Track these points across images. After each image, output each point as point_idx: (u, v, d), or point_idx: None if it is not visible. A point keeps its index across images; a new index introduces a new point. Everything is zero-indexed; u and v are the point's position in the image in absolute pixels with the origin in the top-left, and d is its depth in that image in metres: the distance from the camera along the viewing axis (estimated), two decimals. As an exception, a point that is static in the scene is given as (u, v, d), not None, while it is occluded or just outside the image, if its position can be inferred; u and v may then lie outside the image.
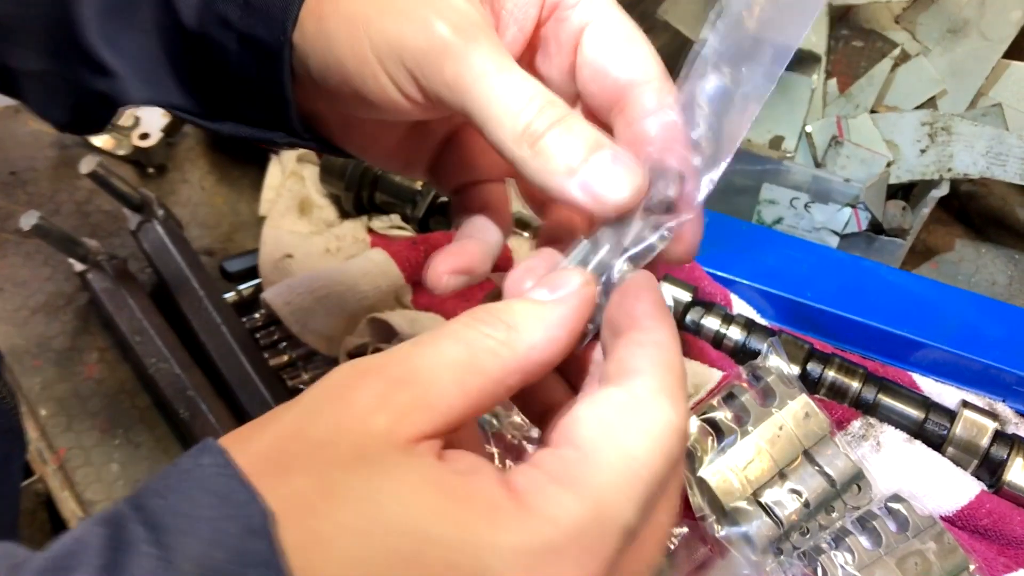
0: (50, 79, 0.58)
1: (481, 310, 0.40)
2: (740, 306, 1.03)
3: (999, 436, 0.90)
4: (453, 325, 0.39)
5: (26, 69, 0.58)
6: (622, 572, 0.37)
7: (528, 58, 0.51)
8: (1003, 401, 0.98)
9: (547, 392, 0.48)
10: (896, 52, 1.05)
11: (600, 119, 0.50)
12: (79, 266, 1.00)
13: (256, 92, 0.51)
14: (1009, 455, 0.89)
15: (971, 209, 1.21)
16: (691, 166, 0.45)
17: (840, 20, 1.06)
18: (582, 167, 0.43)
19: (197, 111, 0.56)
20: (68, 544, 0.30)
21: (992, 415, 0.92)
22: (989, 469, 0.90)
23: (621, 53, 0.47)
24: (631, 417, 0.37)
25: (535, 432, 0.90)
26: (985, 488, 0.88)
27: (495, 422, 0.91)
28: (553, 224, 0.53)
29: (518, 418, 0.91)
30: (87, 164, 0.96)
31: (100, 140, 1.20)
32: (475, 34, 0.44)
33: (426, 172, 0.59)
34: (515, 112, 0.43)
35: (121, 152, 1.20)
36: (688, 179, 0.45)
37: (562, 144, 0.43)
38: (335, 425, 0.34)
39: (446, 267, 0.52)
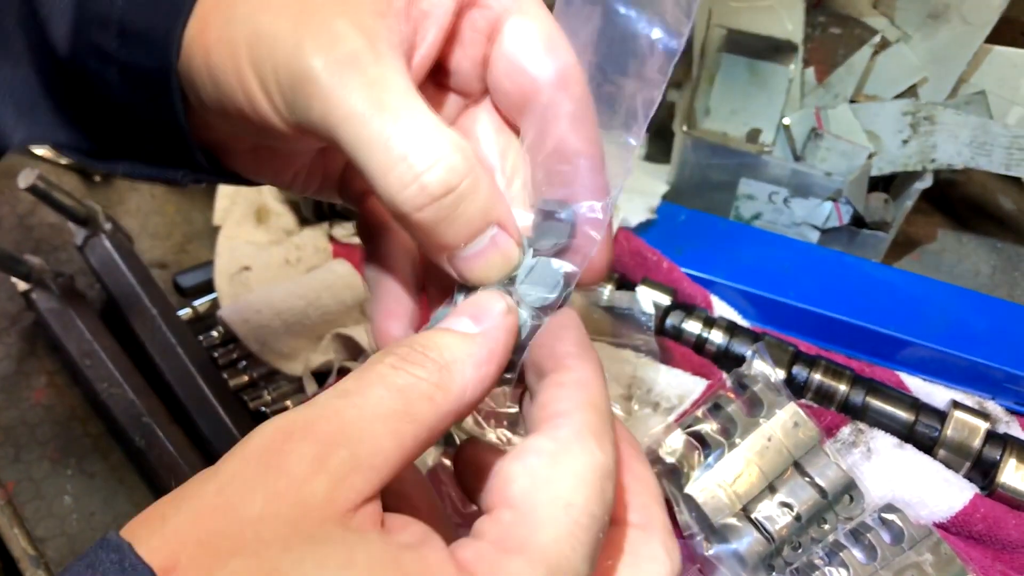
0: None
1: (406, 347, 0.38)
2: (721, 308, 0.99)
3: (991, 436, 0.88)
4: (380, 368, 0.37)
5: None
6: None
7: (442, 48, 0.46)
8: (993, 399, 0.95)
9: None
10: (875, 39, 1.01)
11: (508, 116, 0.48)
12: (23, 285, 0.95)
13: (147, 126, 0.46)
14: (1002, 456, 0.87)
15: (952, 198, 1.19)
16: (604, 198, 0.44)
17: (816, 6, 1.02)
18: (458, 251, 0.42)
19: (87, 149, 0.50)
20: None
21: (983, 415, 0.89)
22: (982, 471, 0.88)
23: (540, 51, 0.44)
24: (560, 465, 0.36)
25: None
26: (979, 491, 0.86)
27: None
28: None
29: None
30: (25, 178, 0.90)
31: (41, 148, 1.13)
32: (352, 67, 0.38)
33: (338, 193, 0.55)
34: (392, 175, 0.38)
35: (64, 161, 1.13)
36: (590, 216, 0.44)
37: (441, 227, 0.40)
38: (268, 497, 0.32)
39: (398, 328, 0.50)
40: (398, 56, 0.40)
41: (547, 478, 0.36)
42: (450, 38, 0.45)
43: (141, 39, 0.43)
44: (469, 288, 0.44)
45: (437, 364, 0.38)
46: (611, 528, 0.40)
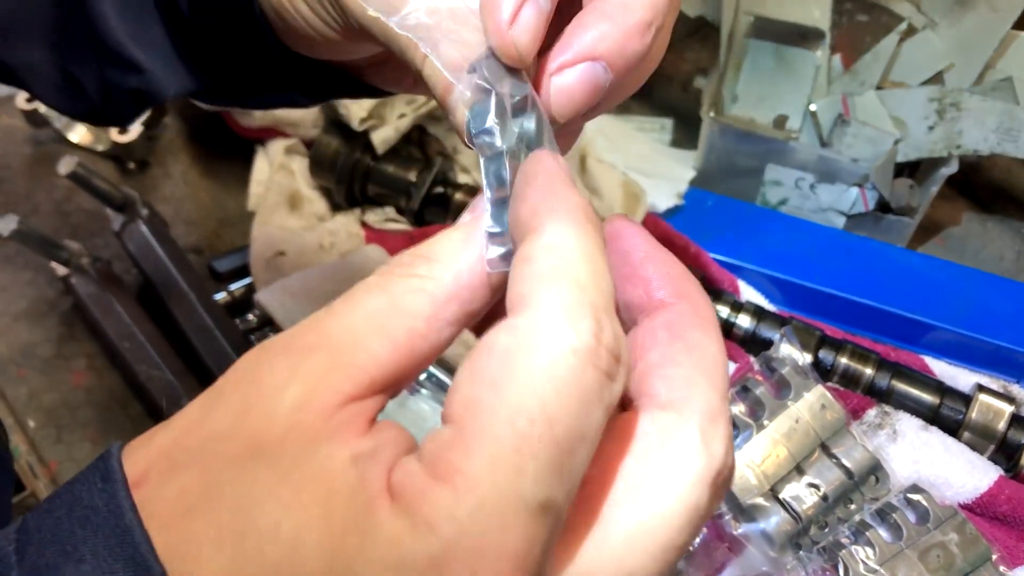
0: (49, 69, 0.57)
1: (397, 256, 0.35)
2: (748, 292, 1.01)
3: (1016, 419, 0.89)
4: (369, 278, 0.33)
5: (22, 62, 0.57)
6: (570, 536, 0.30)
7: None
8: (1018, 383, 0.97)
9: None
10: (902, 26, 1.02)
11: None
12: (62, 270, 0.97)
13: (250, 57, 0.50)
14: (1026, 439, 0.88)
15: (976, 183, 1.19)
16: None
17: (843, -7, 1.03)
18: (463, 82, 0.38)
19: (223, 94, 0.56)
20: None
21: (1008, 398, 0.90)
22: (1006, 453, 0.89)
23: None
24: (512, 363, 0.28)
25: None
26: (1003, 473, 0.87)
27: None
28: None
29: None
30: (66, 165, 0.91)
31: (77, 136, 1.15)
32: None
33: None
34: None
35: (100, 148, 1.15)
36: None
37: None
38: (238, 411, 0.30)
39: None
40: None
41: (493, 382, 0.28)
42: None
43: None
44: None
45: (425, 257, 0.34)
46: (628, 410, 0.33)
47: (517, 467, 0.27)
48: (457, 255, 0.34)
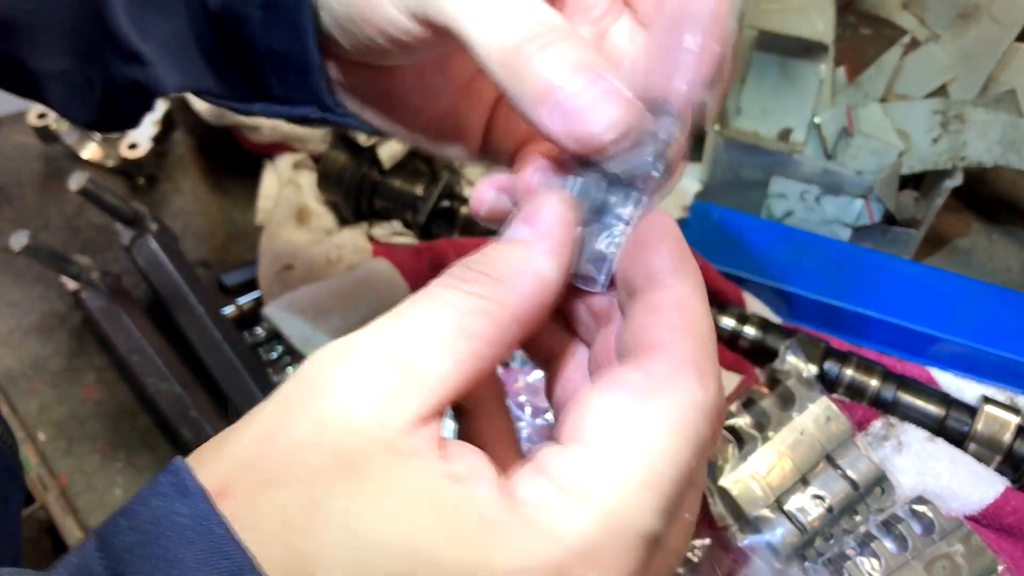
0: (74, 78, 0.57)
1: (460, 266, 0.36)
2: (754, 304, 1.01)
3: (1022, 431, 0.89)
4: (433, 288, 0.35)
5: (49, 70, 0.57)
6: None
7: None
8: (1024, 394, 0.96)
9: (548, 337, 0.44)
10: (905, 39, 1.02)
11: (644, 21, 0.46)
12: (72, 284, 0.98)
13: (282, 63, 0.49)
14: (1033, 450, 0.88)
15: (981, 195, 1.19)
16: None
17: (847, 7, 1.03)
18: (558, 91, 0.37)
19: (227, 94, 0.54)
20: None
21: (1014, 410, 0.90)
22: (1013, 465, 0.89)
23: None
24: (649, 404, 0.32)
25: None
26: (1010, 484, 0.86)
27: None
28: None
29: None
30: (76, 181, 0.93)
31: (87, 152, 1.17)
32: None
33: (478, 145, 0.54)
34: (496, 28, 0.38)
35: (110, 163, 1.17)
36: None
37: (541, 63, 0.37)
38: (316, 421, 0.31)
39: (489, 186, 0.47)
40: None
41: (630, 417, 0.32)
42: None
43: None
44: None
45: (491, 278, 0.35)
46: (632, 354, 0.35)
47: (643, 500, 0.31)
48: (524, 278, 0.36)
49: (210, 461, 0.31)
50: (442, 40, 0.43)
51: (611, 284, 0.40)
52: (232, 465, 0.31)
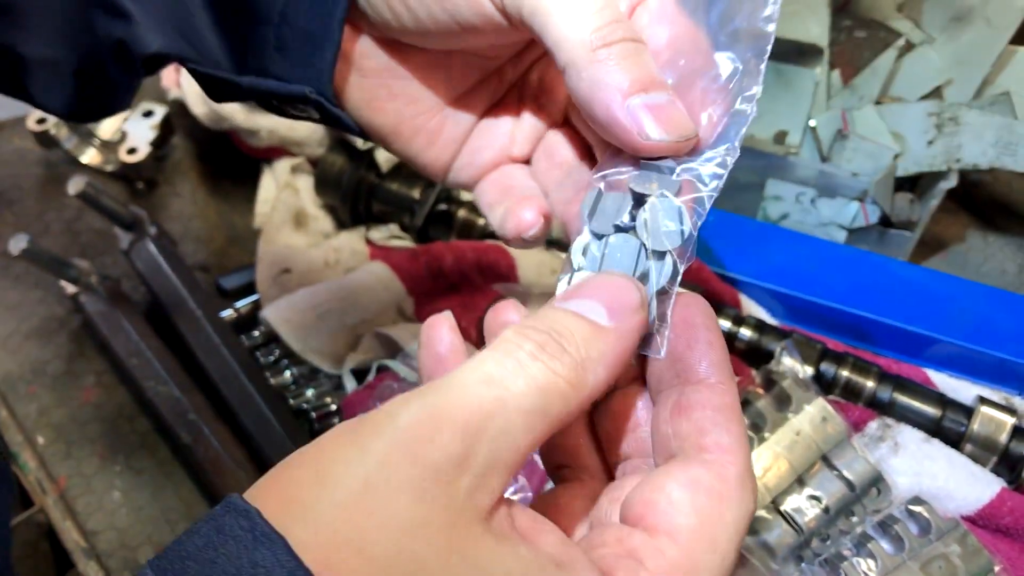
0: (60, 67, 0.56)
1: (539, 331, 0.36)
2: (750, 306, 1.01)
3: (1018, 431, 0.89)
4: (520, 355, 0.35)
5: (38, 56, 0.55)
6: None
7: None
8: (1020, 395, 0.96)
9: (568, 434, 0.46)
10: (900, 42, 1.02)
11: None
12: (71, 288, 0.98)
13: (297, 37, 0.49)
14: (1029, 450, 0.88)
15: (977, 197, 1.20)
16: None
17: (842, 10, 1.04)
18: (638, 94, 0.41)
19: (215, 64, 0.53)
20: None
21: (1010, 410, 0.90)
22: (1008, 465, 0.89)
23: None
24: (724, 510, 0.37)
25: None
26: (1006, 485, 0.87)
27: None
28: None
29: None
30: (75, 185, 0.93)
31: (87, 156, 1.17)
32: None
33: (451, 159, 0.55)
34: (590, 11, 0.41)
35: (109, 168, 1.17)
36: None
37: (626, 64, 0.41)
38: (416, 494, 0.31)
39: (534, 211, 0.50)
40: None
41: (713, 522, 0.36)
42: None
43: None
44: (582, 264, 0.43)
45: (574, 360, 0.36)
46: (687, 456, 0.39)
47: None
48: (599, 369, 0.37)
49: (296, 525, 0.30)
50: (503, 31, 0.45)
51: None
52: (329, 538, 0.30)
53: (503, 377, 0.34)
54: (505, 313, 0.42)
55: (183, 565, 0.29)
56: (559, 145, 0.53)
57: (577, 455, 0.45)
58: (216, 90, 0.55)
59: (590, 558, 0.36)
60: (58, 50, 0.55)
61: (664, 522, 0.36)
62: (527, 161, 0.55)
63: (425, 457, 0.31)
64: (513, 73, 0.55)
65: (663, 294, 0.41)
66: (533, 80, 0.55)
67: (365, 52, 0.51)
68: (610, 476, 0.45)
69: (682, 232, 0.41)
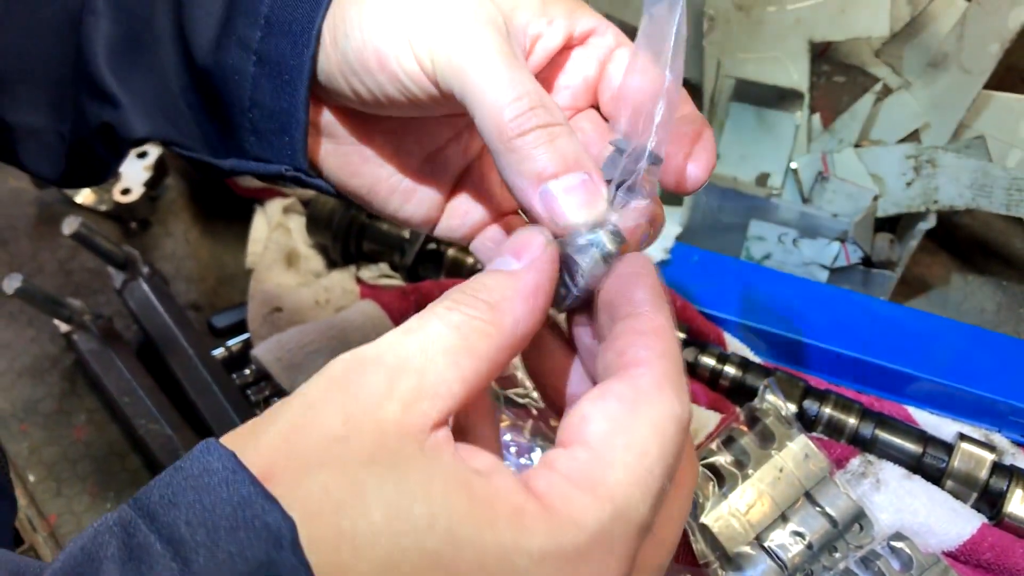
0: (48, 134, 0.59)
1: (457, 291, 0.41)
2: (734, 344, 1.03)
3: (997, 467, 0.90)
4: (437, 308, 0.39)
5: (26, 125, 0.58)
6: (642, 567, 0.39)
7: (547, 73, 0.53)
8: (999, 431, 0.98)
9: (550, 355, 0.49)
10: (878, 87, 1.05)
11: (608, 118, 0.53)
12: (64, 327, 0.99)
13: (267, 119, 0.52)
14: (1008, 486, 0.89)
15: (957, 238, 1.22)
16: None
17: (821, 56, 1.06)
18: (550, 181, 0.44)
19: (199, 149, 0.57)
20: (78, 556, 0.31)
21: (989, 447, 0.92)
22: (989, 501, 0.90)
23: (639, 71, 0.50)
24: (638, 413, 0.38)
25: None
26: (986, 521, 0.88)
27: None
28: None
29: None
30: (70, 225, 0.95)
31: (81, 197, 1.19)
32: (488, 24, 0.46)
33: (437, 215, 0.58)
34: (505, 102, 0.44)
35: (103, 208, 1.19)
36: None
37: (539, 151, 0.44)
38: (347, 417, 0.35)
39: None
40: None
41: (625, 425, 0.37)
42: (557, 68, 0.53)
43: (284, 30, 0.50)
44: None
45: (487, 304, 0.40)
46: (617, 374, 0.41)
47: (640, 494, 0.36)
48: (515, 304, 0.40)
49: (248, 448, 0.34)
50: (447, 104, 0.48)
51: (588, 308, 0.47)
52: (272, 453, 0.34)
53: (422, 326, 0.38)
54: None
55: (153, 484, 0.34)
56: None
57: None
58: (201, 169, 0.58)
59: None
60: (47, 122, 0.58)
61: (576, 434, 0.38)
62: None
63: (352, 391, 0.36)
64: None
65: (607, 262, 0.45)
66: None
67: (334, 122, 0.54)
68: None
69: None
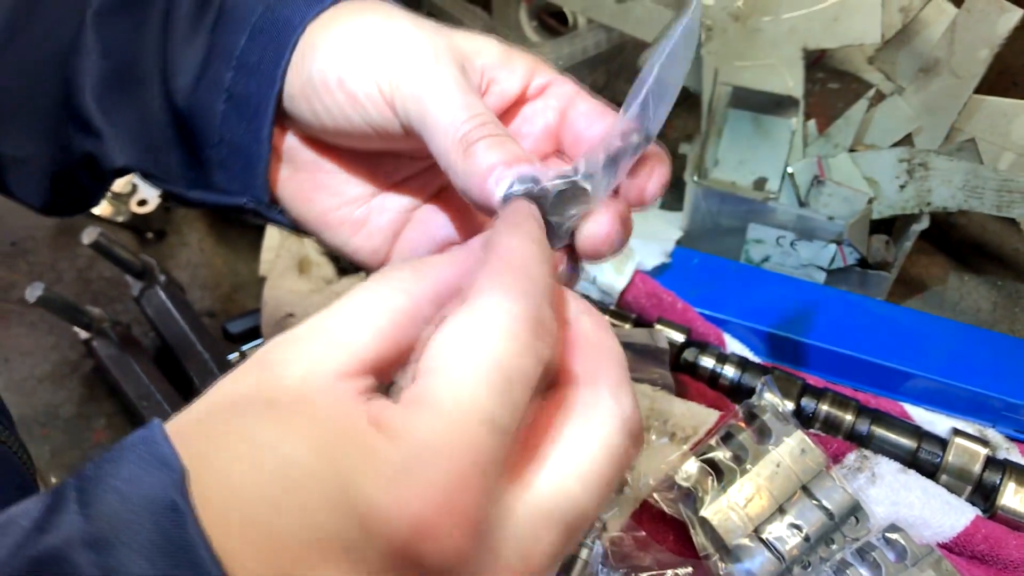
0: (36, 164, 0.61)
1: (389, 265, 0.44)
2: (734, 345, 1.05)
3: (991, 462, 0.92)
4: (365, 282, 0.41)
5: (15, 155, 0.61)
6: (519, 466, 0.38)
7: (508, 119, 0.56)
8: (993, 427, 1.00)
9: None
10: (871, 92, 1.08)
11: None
12: (83, 334, 1.02)
13: (233, 153, 0.56)
14: (1001, 480, 0.91)
15: (952, 239, 1.24)
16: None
17: (816, 63, 1.09)
18: (500, 167, 0.46)
19: (171, 180, 0.60)
20: (14, 510, 0.33)
21: (983, 441, 0.94)
22: (983, 494, 0.92)
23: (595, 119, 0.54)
24: (469, 329, 0.38)
25: None
26: (980, 513, 0.90)
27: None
28: None
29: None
30: (89, 235, 0.98)
31: (99, 208, 1.22)
32: (446, 58, 0.50)
33: (385, 254, 0.60)
34: (459, 121, 0.48)
35: (120, 219, 1.22)
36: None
37: (491, 150, 0.47)
38: (255, 383, 0.37)
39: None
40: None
41: (457, 337, 0.37)
42: (517, 116, 0.56)
43: (253, 69, 0.54)
44: None
45: (411, 265, 0.42)
46: (556, 387, 0.42)
47: (481, 390, 0.36)
48: (433, 266, 0.43)
49: (169, 423, 0.36)
50: (404, 139, 0.51)
51: None
52: (184, 421, 0.36)
53: (346, 297, 0.40)
54: None
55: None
56: None
57: None
58: (172, 198, 0.62)
59: None
60: (33, 152, 0.61)
61: (417, 368, 0.38)
62: None
63: (268, 360, 0.38)
64: None
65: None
66: None
67: (294, 147, 0.57)
68: None
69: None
